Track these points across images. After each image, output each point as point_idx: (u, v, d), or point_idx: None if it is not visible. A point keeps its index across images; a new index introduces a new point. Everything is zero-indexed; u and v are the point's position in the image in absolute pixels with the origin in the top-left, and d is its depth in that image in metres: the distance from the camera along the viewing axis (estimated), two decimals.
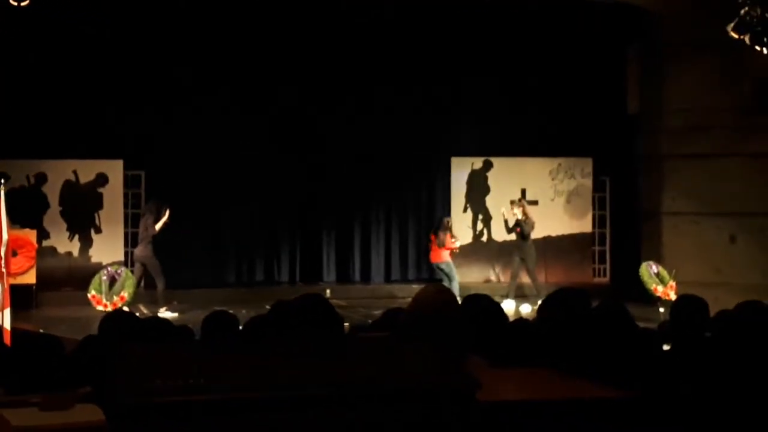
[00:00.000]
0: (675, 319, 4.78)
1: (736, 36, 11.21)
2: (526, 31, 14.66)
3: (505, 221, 14.12)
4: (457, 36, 14.76)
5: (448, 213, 15.30)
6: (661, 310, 12.54)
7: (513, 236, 14.17)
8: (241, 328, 4.87)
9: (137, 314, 6.19)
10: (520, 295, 13.74)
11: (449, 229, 13.88)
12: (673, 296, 13.05)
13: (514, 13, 14.40)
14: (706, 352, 3.95)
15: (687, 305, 4.82)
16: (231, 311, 5.32)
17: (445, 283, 13.53)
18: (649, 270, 13.78)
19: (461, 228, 15.26)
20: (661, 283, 13.63)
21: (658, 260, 14.06)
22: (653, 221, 14.70)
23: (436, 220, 14.75)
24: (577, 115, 15.01)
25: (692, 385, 3.74)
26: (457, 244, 14.01)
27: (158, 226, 12.88)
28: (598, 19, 14.57)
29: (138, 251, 13.03)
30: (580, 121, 15.00)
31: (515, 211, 13.98)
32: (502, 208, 14.42)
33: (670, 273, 13.69)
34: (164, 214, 12.96)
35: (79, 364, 4.03)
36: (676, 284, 13.40)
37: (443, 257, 13.79)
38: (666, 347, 4.39)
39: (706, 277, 13.25)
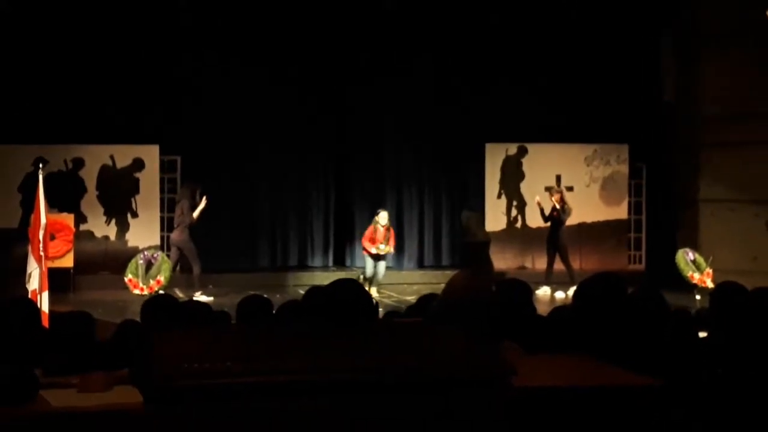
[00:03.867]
0: (715, 306, 4.73)
1: None
2: (563, 17, 14.58)
3: (541, 210, 13.96)
4: (493, 22, 14.70)
5: (482, 199, 15.22)
6: (698, 297, 12.43)
7: (548, 223, 14.03)
8: (275, 312, 4.89)
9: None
10: (556, 282, 13.66)
11: (378, 222, 13.42)
12: (709, 283, 12.93)
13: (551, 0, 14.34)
14: (744, 339, 3.92)
15: (728, 292, 4.76)
16: (265, 295, 5.33)
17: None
18: (685, 257, 13.65)
19: (495, 214, 15.19)
20: (697, 270, 13.50)
21: (695, 247, 13.94)
22: (690, 208, 14.56)
23: (468, 205, 14.72)
24: (613, 101, 14.91)
25: (725, 371, 3.71)
26: (374, 250, 13.32)
27: (196, 214, 12.89)
28: (634, 4, 14.44)
29: (174, 236, 13.10)
30: (616, 107, 14.90)
31: (553, 199, 13.86)
32: (537, 197, 14.30)
33: (706, 260, 13.57)
34: (200, 200, 12.99)
35: (118, 347, 4.07)
36: (713, 271, 13.28)
37: (364, 248, 13.54)
38: (702, 334, 4.36)
39: (742, 265, 13.10)
